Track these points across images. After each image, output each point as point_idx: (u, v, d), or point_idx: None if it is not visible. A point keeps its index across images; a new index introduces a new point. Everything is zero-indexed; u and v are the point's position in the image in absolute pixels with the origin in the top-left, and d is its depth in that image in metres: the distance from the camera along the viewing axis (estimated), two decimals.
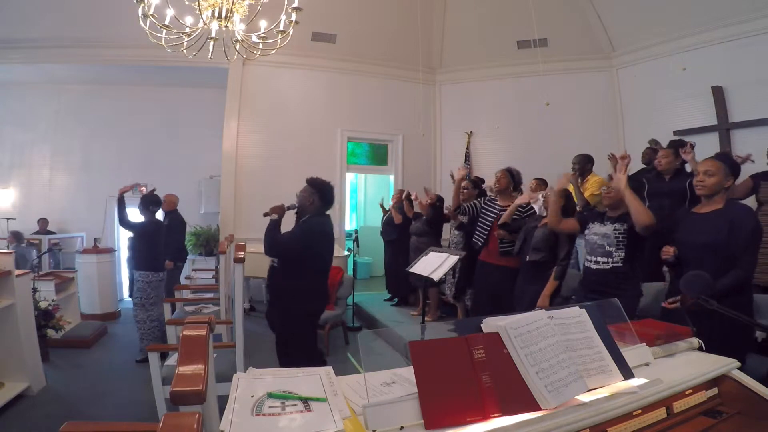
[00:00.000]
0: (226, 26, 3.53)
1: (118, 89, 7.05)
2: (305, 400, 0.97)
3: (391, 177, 7.19)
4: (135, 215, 4.29)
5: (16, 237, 6.09)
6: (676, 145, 3.67)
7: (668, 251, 2.28)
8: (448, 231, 4.91)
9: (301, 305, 2.95)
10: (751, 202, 3.50)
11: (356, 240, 6.71)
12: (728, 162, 2.35)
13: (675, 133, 5.12)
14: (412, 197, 5.17)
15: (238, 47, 3.77)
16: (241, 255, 2.91)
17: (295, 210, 3.10)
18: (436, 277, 3.35)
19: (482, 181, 4.90)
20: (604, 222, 2.61)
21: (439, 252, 3.65)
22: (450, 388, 0.94)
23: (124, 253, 6.83)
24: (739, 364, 1.30)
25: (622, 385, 1.09)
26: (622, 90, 6.20)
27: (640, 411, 1.07)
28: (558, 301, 3.08)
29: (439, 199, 4.92)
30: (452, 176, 5.06)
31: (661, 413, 1.11)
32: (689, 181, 3.22)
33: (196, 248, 6.67)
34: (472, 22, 6.54)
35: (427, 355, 0.98)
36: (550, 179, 4.13)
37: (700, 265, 1.88)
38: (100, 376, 3.70)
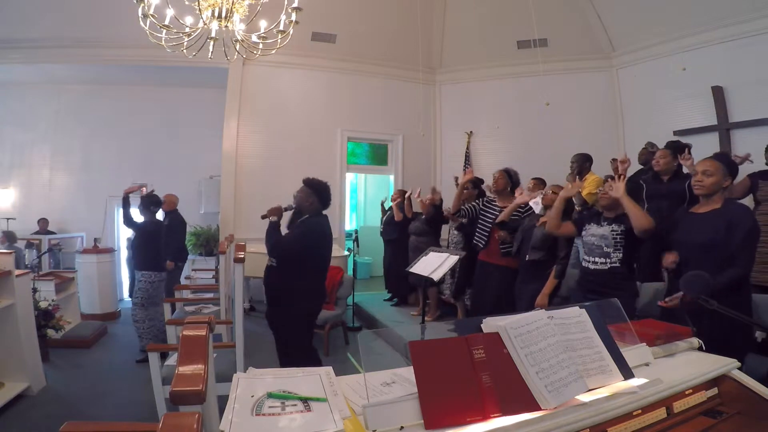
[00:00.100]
0: (226, 26, 3.53)
1: (118, 89, 7.05)
2: (305, 400, 0.97)
3: (391, 177, 7.19)
4: (135, 215, 4.29)
5: (9, 237, 6.06)
6: (674, 146, 3.67)
7: (669, 259, 2.28)
8: (448, 231, 4.91)
9: (301, 305, 2.95)
10: (748, 201, 3.50)
11: (356, 240, 6.71)
12: (726, 162, 2.35)
13: (675, 133, 5.12)
14: (415, 195, 5.16)
15: (238, 47, 3.77)
16: (241, 255, 2.91)
17: (293, 210, 3.11)
18: (436, 277, 3.35)
19: (481, 181, 4.90)
20: (601, 223, 2.61)
21: (439, 252, 3.65)
22: (450, 388, 0.94)
23: (123, 253, 6.86)
24: (739, 364, 1.30)
25: (622, 385, 1.10)
26: (622, 90, 6.20)
27: (640, 411, 1.07)
28: (557, 300, 3.09)
29: (436, 192, 4.93)
30: (456, 181, 5.07)
31: (661, 413, 1.11)
32: (688, 183, 3.22)
33: (196, 248, 6.67)
34: (472, 22, 6.54)
35: (427, 355, 0.98)
36: (549, 179, 4.12)
37: (699, 265, 1.88)
38: (100, 376, 3.70)
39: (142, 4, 3.24)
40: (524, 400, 0.97)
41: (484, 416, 0.92)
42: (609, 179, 2.86)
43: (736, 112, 4.92)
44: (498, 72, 6.80)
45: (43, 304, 3.95)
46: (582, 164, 4.48)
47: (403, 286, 5.42)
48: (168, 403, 2.27)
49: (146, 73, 6.60)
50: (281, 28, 3.58)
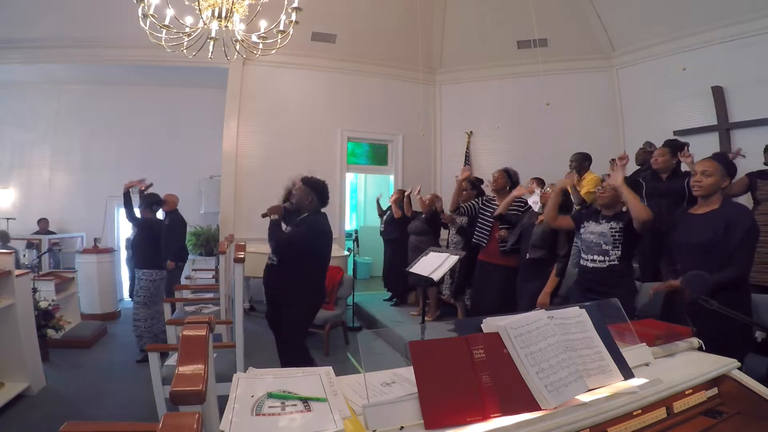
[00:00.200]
0: (226, 26, 3.53)
1: (118, 89, 7.05)
2: (305, 400, 0.97)
3: (391, 177, 7.19)
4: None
5: (2, 237, 6.02)
6: (672, 144, 3.67)
7: (672, 285, 2.27)
8: (447, 232, 4.91)
9: (301, 303, 2.97)
10: (747, 200, 3.51)
11: (356, 240, 6.71)
12: (725, 162, 2.35)
13: (675, 133, 5.12)
14: (414, 192, 5.16)
15: (238, 47, 3.77)
16: (241, 255, 2.91)
17: (292, 209, 3.12)
18: (436, 277, 3.35)
19: (481, 181, 4.90)
20: (599, 221, 2.61)
21: (439, 252, 3.65)
22: (450, 388, 0.94)
23: (123, 253, 6.86)
24: (739, 364, 1.30)
25: (622, 385, 1.10)
26: (622, 90, 6.20)
27: (640, 411, 1.07)
28: (557, 300, 3.09)
29: (438, 200, 4.93)
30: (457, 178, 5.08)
31: (661, 413, 1.11)
32: (687, 181, 3.22)
33: (196, 248, 6.67)
34: (472, 22, 6.54)
35: (427, 355, 0.98)
36: (549, 179, 4.13)
37: (699, 265, 1.88)
38: (100, 376, 3.70)
39: (142, 4, 3.24)
40: (524, 400, 0.97)
41: (484, 416, 0.92)
42: (607, 177, 2.87)
43: (736, 112, 4.93)
44: (498, 72, 6.80)
45: (43, 304, 3.95)
46: (581, 163, 4.48)
47: (404, 285, 5.43)
48: (168, 403, 2.27)
49: (146, 73, 6.60)
50: (281, 28, 3.58)
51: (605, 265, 2.52)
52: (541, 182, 4.23)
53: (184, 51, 3.65)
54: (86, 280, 5.37)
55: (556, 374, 1.02)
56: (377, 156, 7.33)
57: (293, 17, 3.59)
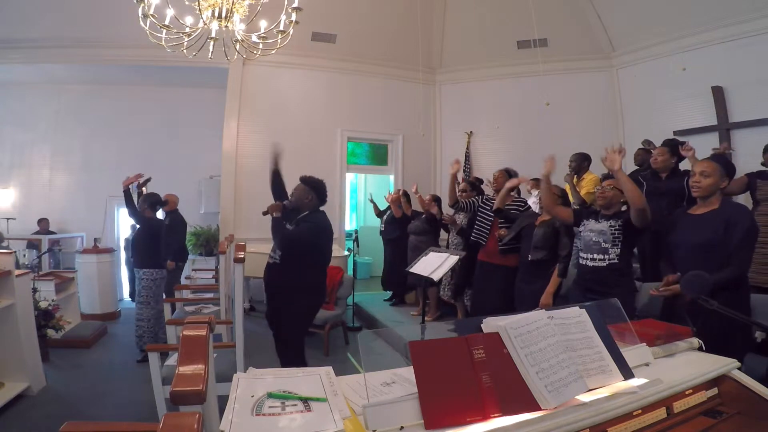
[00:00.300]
0: (226, 26, 3.53)
1: (118, 89, 7.05)
2: (305, 400, 0.97)
3: (391, 177, 7.19)
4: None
5: None
6: (671, 144, 3.68)
7: (670, 280, 2.27)
8: (448, 232, 4.91)
9: (302, 301, 2.97)
10: (745, 200, 3.51)
11: (356, 240, 6.71)
12: (724, 163, 2.35)
13: (675, 133, 5.13)
14: (412, 190, 5.15)
15: (238, 47, 3.77)
16: (241, 255, 2.91)
17: (291, 207, 3.12)
18: (436, 277, 3.35)
19: (481, 181, 4.91)
20: (599, 219, 2.61)
21: (439, 252, 3.65)
22: (450, 388, 0.94)
23: (122, 254, 6.87)
24: (739, 364, 1.30)
25: (622, 385, 1.10)
26: (622, 90, 6.20)
27: (640, 411, 1.07)
28: (557, 300, 3.08)
29: (436, 200, 4.93)
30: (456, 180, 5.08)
31: (661, 413, 1.11)
32: (687, 180, 3.23)
33: (196, 248, 6.67)
34: (472, 22, 6.54)
35: (427, 355, 0.98)
36: (553, 179, 4.13)
37: (698, 265, 1.88)
38: (100, 376, 3.70)
39: (142, 4, 3.24)
40: (524, 400, 0.97)
41: (484, 416, 0.92)
42: (606, 176, 2.87)
43: (736, 112, 4.93)
44: (498, 72, 6.80)
45: (43, 304, 3.95)
46: (580, 163, 4.48)
47: (403, 285, 5.43)
48: (168, 403, 2.27)
49: (146, 73, 6.60)
50: (281, 28, 3.58)
51: (605, 264, 2.51)
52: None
53: (184, 51, 3.65)
54: (86, 280, 5.37)
55: (556, 374, 1.02)
56: (377, 156, 7.33)
57: (293, 17, 3.59)
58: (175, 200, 5.27)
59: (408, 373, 1.07)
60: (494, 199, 3.83)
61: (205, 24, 3.45)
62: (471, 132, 6.93)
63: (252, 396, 0.98)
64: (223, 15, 3.45)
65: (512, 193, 3.77)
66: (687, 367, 1.28)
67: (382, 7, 6.34)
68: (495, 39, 6.53)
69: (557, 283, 2.99)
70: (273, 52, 3.96)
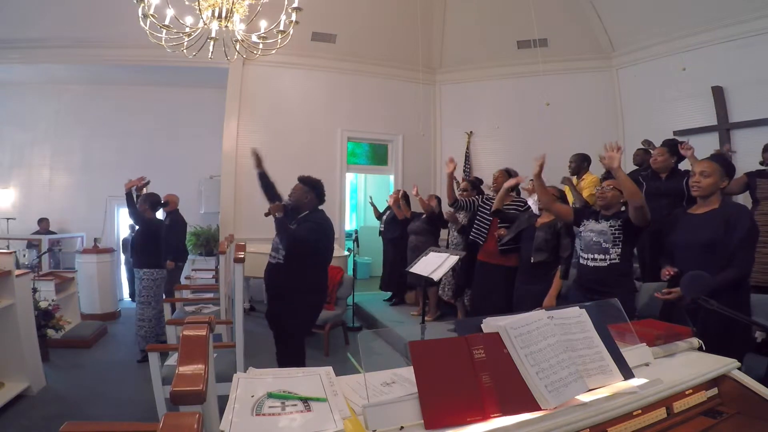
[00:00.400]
0: (226, 26, 3.53)
1: (118, 89, 7.05)
2: (305, 400, 0.97)
3: (391, 177, 7.18)
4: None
5: None
6: (671, 144, 3.68)
7: (668, 273, 2.28)
8: (448, 232, 4.91)
9: (306, 300, 2.98)
10: (744, 199, 3.51)
11: (356, 240, 6.70)
12: (724, 163, 2.35)
13: (675, 133, 5.13)
14: (413, 192, 5.15)
15: (238, 47, 3.77)
16: (241, 255, 2.91)
17: (290, 207, 3.12)
18: (436, 277, 3.35)
19: (480, 181, 4.90)
20: (599, 219, 2.61)
21: (439, 252, 3.65)
22: (450, 388, 0.94)
23: (121, 255, 6.87)
24: (738, 364, 1.30)
25: (622, 385, 1.10)
26: (622, 90, 6.20)
27: (640, 411, 1.07)
28: (558, 301, 3.08)
29: (437, 198, 4.93)
30: (456, 181, 5.09)
31: (661, 413, 1.11)
32: (686, 180, 3.23)
33: (196, 248, 6.67)
34: (472, 22, 6.54)
35: (427, 355, 0.98)
36: (549, 179, 4.12)
37: (699, 265, 1.88)
38: (100, 376, 3.70)
39: (142, 4, 3.24)
40: (524, 400, 0.97)
41: (484, 416, 0.92)
42: (605, 176, 2.87)
43: (736, 112, 4.92)
44: (498, 72, 6.80)
45: (43, 304, 3.95)
46: (580, 164, 4.49)
47: (402, 285, 5.43)
48: (168, 403, 2.27)
49: (146, 73, 6.60)
50: (281, 28, 3.58)
51: (606, 264, 2.51)
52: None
53: (184, 51, 3.65)
54: (86, 280, 5.37)
55: (556, 374, 1.02)
56: (377, 156, 7.32)
57: (293, 17, 3.59)
58: (176, 200, 5.27)
59: (408, 373, 1.07)
60: (494, 199, 3.83)
61: (205, 24, 3.45)
62: (471, 132, 6.93)
63: (252, 396, 0.98)
64: (223, 15, 3.45)
65: (512, 193, 3.77)
66: (687, 367, 1.28)
67: (382, 7, 6.34)
68: (495, 39, 6.53)
69: (560, 286, 2.99)
70: (273, 52, 3.95)
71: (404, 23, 6.43)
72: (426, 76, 7.00)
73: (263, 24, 3.65)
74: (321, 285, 3.16)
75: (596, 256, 2.55)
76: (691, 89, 5.25)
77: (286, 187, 3.25)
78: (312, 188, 3.07)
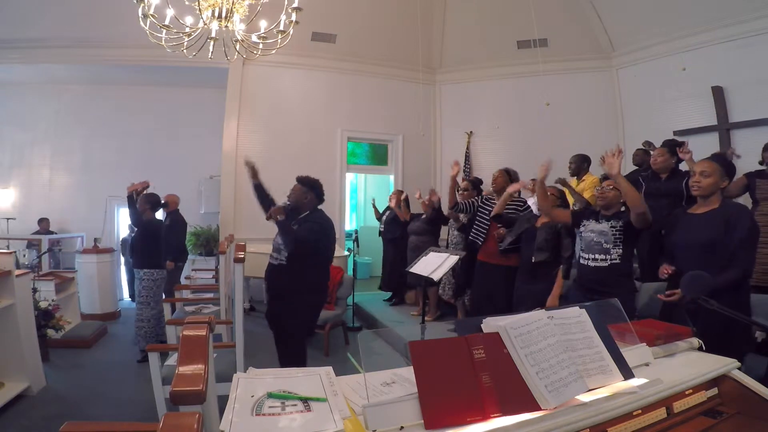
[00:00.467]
0: (226, 26, 3.53)
1: (118, 89, 7.05)
2: (305, 400, 0.97)
3: (391, 177, 7.18)
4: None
5: None
6: (671, 145, 3.68)
7: (665, 272, 2.28)
8: (447, 231, 4.91)
9: (307, 300, 2.98)
10: (744, 200, 3.51)
11: (356, 240, 6.71)
12: (724, 163, 2.35)
13: (675, 133, 5.12)
14: (416, 196, 5.15)
15: (238, 47, 3.77)
16: (241, 255, 2.91)
17: (290, 208, 3.12)
18: (436, 277, 3.35)
19: (480, 181, 4.90)
20: (599, 220, 2.61)
21: (439, 252, 3.65)
22: (450, 388, 0.94)
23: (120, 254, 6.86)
24: (739, 364, 1.30)
25: (622, 385, 1.10)
26: (622, 90, 6.20)
27: (640, 411, 1.07)
28: (559, 300, 3.08)
29: (435, 194, 4.93)
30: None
31: (661, 413, 1.11)
32: (686, 181, 3.23)
33: (196, 248, 6.67)
34: (472, 22, 6.54)
35: (427, 355, 0.98)
36: (549, 179, 4.11)
37: (699, 265, 1.88)
38: (100, 376, 3.70)
39: (142, 4, 3.24)
40: (524, 400, 0.97)
41: (484, 416, 0.92)
42: (604, 176, 2.87)
43: (736, 112, 4.92)
44: (498, 72, 6.80)
45: (43, 304, 3.95)
46: (580, 165, 4.49)
47: (402, 285, 5.43)
48: (168, 403, 2.27)
49: (146, 73, 6.60)
50: (281, 28, 3.58)
51: (606, 264, 2.51)
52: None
53: (184, 51, 3.65)
54: (86, 280, 5.37)
55: (556, 374, 1.02)
56: (377, 156, 7.32)
57: (293, 17, 3.59)
58: (176, 200, 5.28)
59: (408, 373, 1.07)
60: (493, 198, 3.83)
61: (205, 24, 3.45)
62: (471, 132, 6.93)
63: (252, 396, 0.98)
64: (223, 15, 3.45)
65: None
66: (687, 367, 1.28)
67: (382, 7, 6.33)
68: (495, 39, 6.53)
69: (562, 285, 2.99)
70: (273, 52, 3.95)
71: (404, 23, 6.43)
72: (426, 76, 7.00)
73: (263, 24, 3.65)
74: (322, 285, 3.16)
75: (597, 256, 2.55)
76: (691, 89, 5.25)
77: (285, 187, 3.25)
78: (311, 188, 3.08)
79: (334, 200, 6.45)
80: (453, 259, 3.40)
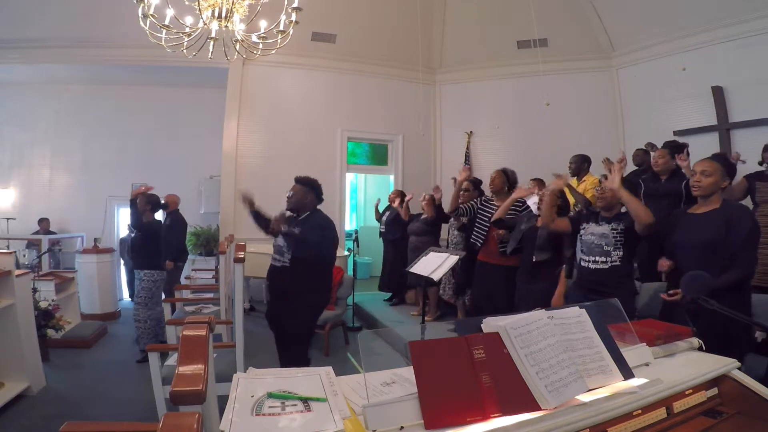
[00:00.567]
0: (226, 26, 3.53)
1: (118, 89, 7.05)
2: (305, 400, 0.97)
3: (391, 177, 7.18)
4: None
5: None
6: (672, 145, 3.68)
7: (664, 265, 2.27)
8: (447, 231, 4.91)
9: (310, 300, 2.98)
10: (745, 202, 3.51)
11: (356, 240, 6.70)
12: (725, 163, 2.34)
13: (675, 133, 5.13)
14: (420, 198, 5.14)
15: (238, 47, 3.77)
16: (241, 255, 2.91)
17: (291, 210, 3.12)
18: (436, 277, 3.35)
19: (480, 182, 4.90)
20: (599, 222, 2.60)
21: (439, 252, 3.65)
22: (450, 388, 0.94)
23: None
24: (739, 364, 1.30)
25: (622, 385, 1.10)
26: (622, 90, 6.20)
27: (640, 411, 1.07)
28: None
29: (437, 190, 4.93)
30: (455, 182, 5.06)
31: (661, 413, 1.11)
32: (685, 183, 3.23)
33: (196, 248, 6.67)
34: (472, 22, 6.54)
35: (427, 355, 0.98)
36: (549, 179, 4.13)
37: (700, 265, 1.87)
38: (100, 376, 3.70)
39: (142, 4, 3.24)
40: (524, 400, 0.97)
41: (484, 416, 0.92)
42: (604, 178, 2.87)
43: (736, 112, 4.92)
44: (498, 72, 6.80)
45: (43, 304, 3.96)
46: (580, 165, 4.49)
47: (403, 286, 5.43)
48: (168, 403, 2.27)
49: (146, 73, 6.60)
50: (281, 28, 3.58)
51: (607, 266, 2.51)
52: (541, 183, 4.23)
53: (184, 51, 3.65)
54: (86, 280, 5.37)
55: (556, 374, 1.02)
56: (377, 156, 7.32)
57: (293, 17, 3.59)
58: (176, 200, 5.28)
59: (408, 373, 1.07)
60: (493, 200, 3.82)
61: (205, 24, 3.45)
62: (471, 132, 6.92)
63: (252, 396, 0.98)
64: (223, 15, 3.45)
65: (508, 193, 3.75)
66: (687, 367, 1.28)
67: (382, 7, 6.33)
68: (495, 39, 6.53)
69: (565, 285, 2.99)
70: (273, 52, 3.95)
71: (404, 23, 6.42)
72: (426, 76, 7.00)
73: (263, 24, 3.65)
74: (325, 286, 3.16)
75: (597, 258, 2.54)
76: (691, 89, 5.25)
77: (285, 187, 3.24)
78: (312, 188, 3.08)
79: (334, 200, 6.45)
80: (453, 259, 3.40)
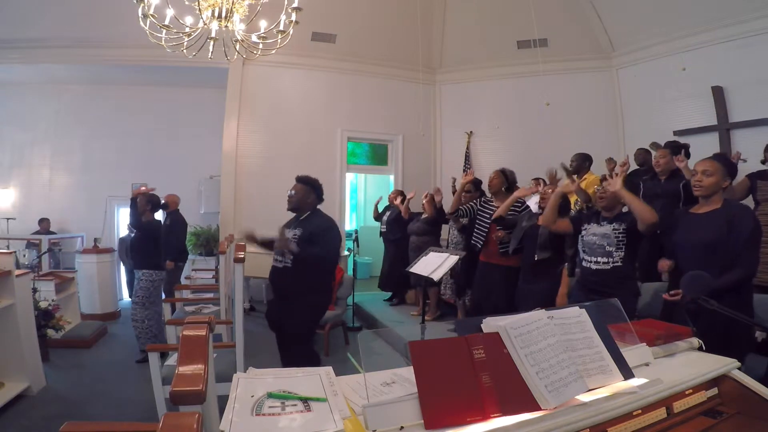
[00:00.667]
0: (226, 26, 3.53)
1: (118, 89, 7.05)
2: (305, 400, 0.97)
3: (391, 177, 7.18)
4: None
5: None
6: (673, 146, 3.68)
7: (665, 266, 2.27)
8: (447, 231, 4.91)
9: (311, 301, 2.98)
10: (748, 202, 3.50)
11: (356, 240, 6.70)
12: (726, 163, 2.34)
13: (675, 133, 5.12)
14: (422, 197, 5.14)
15: (238, 47, 3.77)
16: (241, 255, 2.91)
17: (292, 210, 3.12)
18: (436, 277, 3.35)
19: (481, 182, 4.90)
20: (600, 222, 2.60)
21: (439, 252, 3.65)
22: (450, 388, 0.94)
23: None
24: (739, 364, 1.30)
25: (622, 385, 1.10)
26: (622, 90, 6.19)
27: (640, 411, 1.07)
28: None
29: (438, 193, 4.93)
30: (454, 183, 5.06)
31: (661, 413, 1.11)
32: (683, 183, 3.22)
33: (196, 248, 6.67)
34: (472, 22, 6.54)
35: (427, 355, 0.98)
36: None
37: (701, 265, 1.87)
38: (100, 376, 3.70)
39: (142, 4, 3.24)
40: (524, 400, 0.97)
41: (484, 416, 0.92)
42: (606, 176, 2.87)
43: (736, 112, 4.92)
44: (498, 72, 6.80)
45: (43, 304, 3.96)
46: (581, 164, 4.48)
47: (404, 286, 5.43)
48: (168, 403, 2.27)
49: (146, 73, 6.60)
50: (281, 28, 3.58)
51: (609, 267, 2.51)
52: (543, 184, 4.23)
53: (184, 51, 3.65)
54: (86, 280, 5.38)
55: (556, 374, 1.02)
56: (377, 156, 7.32)
57: (293, 17, 3.59)
58: (176, 200, 5.28)
59: (408, 373, 1.07)
60: (492, 201, 3.82)
61: (205, 24, 3.45)
62: (471, 132, 6.92)
63: (252, 396, 0.98)
64: (223, 15, 3.45)
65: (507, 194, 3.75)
66: (687, 367, 1.28)
67: (382, 7, 6.33)
68: (495, 39, 6.52)
69: (568, 283, 2.99)
70: (273, 52, 3.96)
71: (404, 23, 6.42)
72: (426, 76, 7.00)
73: (263, 24, 3.66)
74: (327, 286, 3.16)
75: (599, 259, 2.54)
76: (691, 89, 5.25)
77: (285, 187, 3.24)
78: (313, 188, 3.07)
79: (334, 200, 6.45)
80: (453, 259, 3.40)
